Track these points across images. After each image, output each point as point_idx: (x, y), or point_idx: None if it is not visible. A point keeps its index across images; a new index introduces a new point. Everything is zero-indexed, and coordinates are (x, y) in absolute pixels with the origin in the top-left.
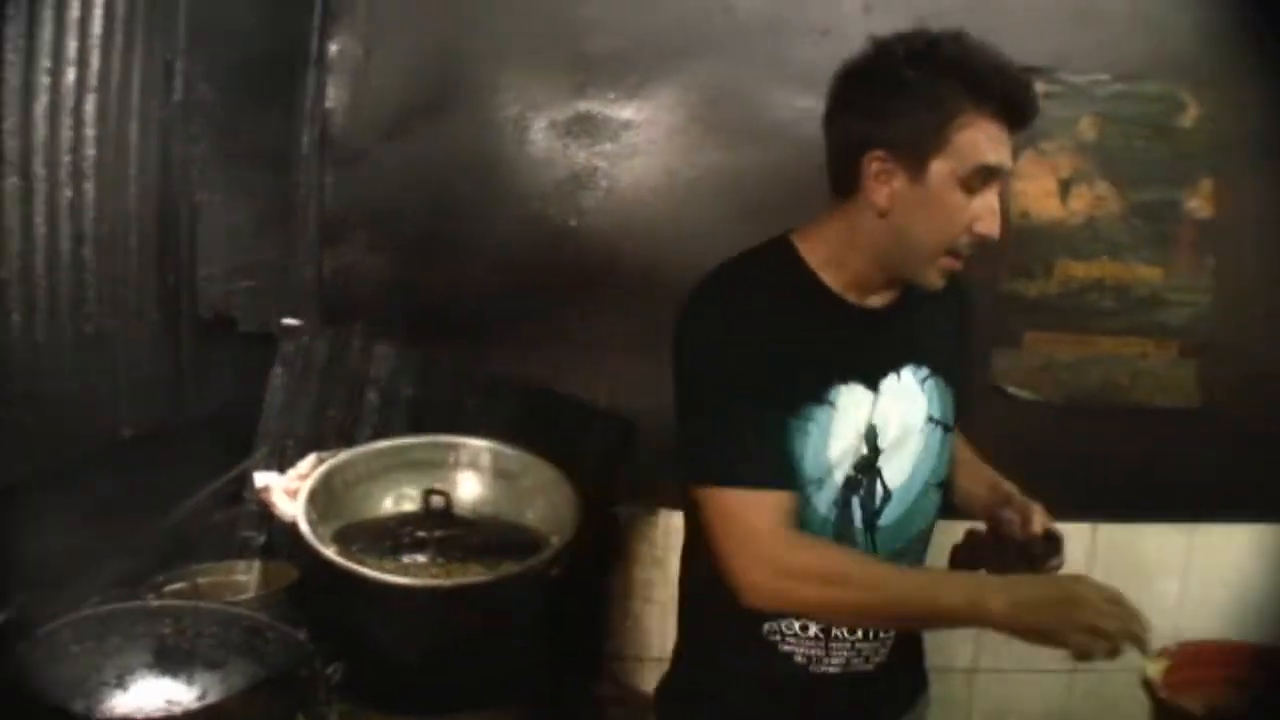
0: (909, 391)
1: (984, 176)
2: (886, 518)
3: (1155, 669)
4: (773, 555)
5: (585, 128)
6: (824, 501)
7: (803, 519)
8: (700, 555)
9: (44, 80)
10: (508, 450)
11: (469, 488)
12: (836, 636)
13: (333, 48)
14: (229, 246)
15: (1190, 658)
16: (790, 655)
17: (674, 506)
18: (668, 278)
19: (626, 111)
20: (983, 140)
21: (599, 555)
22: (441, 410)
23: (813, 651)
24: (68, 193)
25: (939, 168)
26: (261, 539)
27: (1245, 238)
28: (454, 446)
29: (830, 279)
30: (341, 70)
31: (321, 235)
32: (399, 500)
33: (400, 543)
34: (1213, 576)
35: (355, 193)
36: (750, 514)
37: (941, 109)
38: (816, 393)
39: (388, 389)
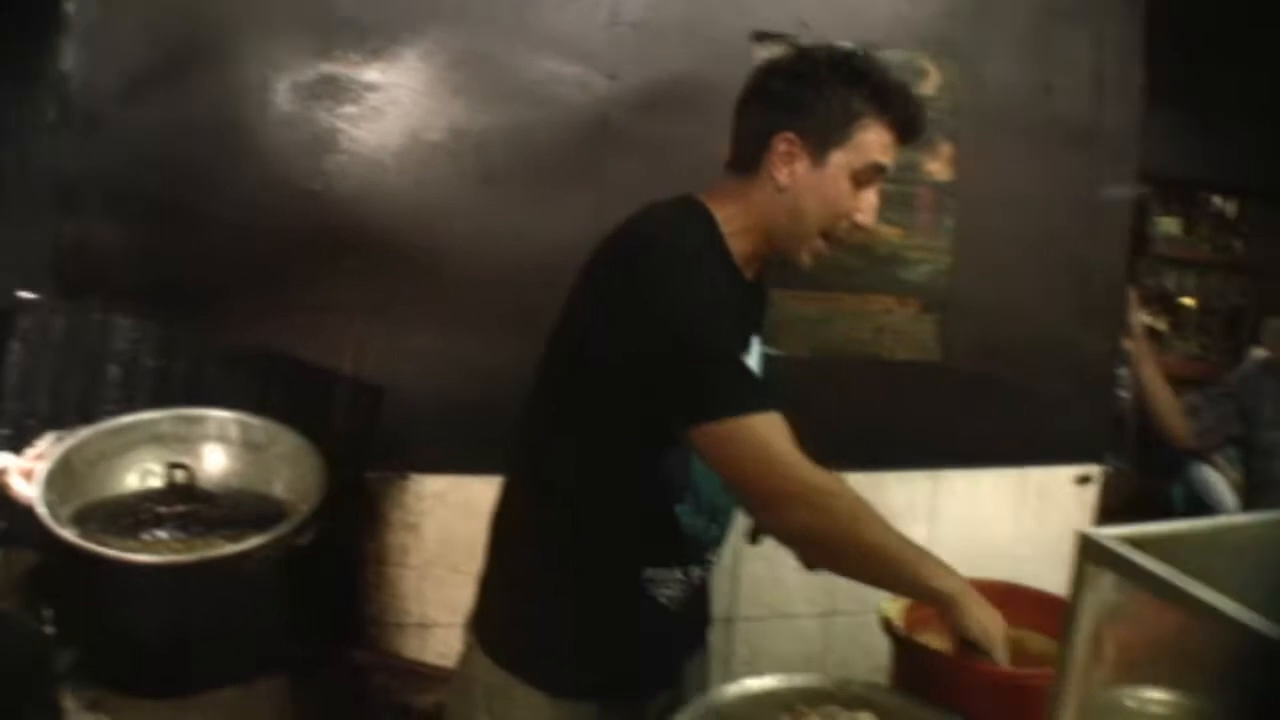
0: (752, 360)
1: (872, 173)
2: None
3: (894, 609)
4: (800, 472)
5: (328, 90)
6: None
7: (704, 470)
8: (577, 505)
9: None
10: (254, 421)
11: (216, 460)
12: (694, 581)
13: (69, 7)
14: None
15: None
16: (656, 599)
17: (427, 470)
18: (412, 241)
19: (370, 74)
20: (877, 143)
21: (351, 522)
22: (185, 382)
23: (675, 593)
24: None
25: (838, 158)
26: (1, 525)
27: (981, 201)
28: (199, 419)
29: (733, 248)
30: (78, 31)
31: (59, 204)
32: (144, 477)
33: (141, 520)
34: (956, 520)
35: (93, 159)
36: (774, 436)
37: (849, 109)
38: (744, 347)
39: (129, 363)
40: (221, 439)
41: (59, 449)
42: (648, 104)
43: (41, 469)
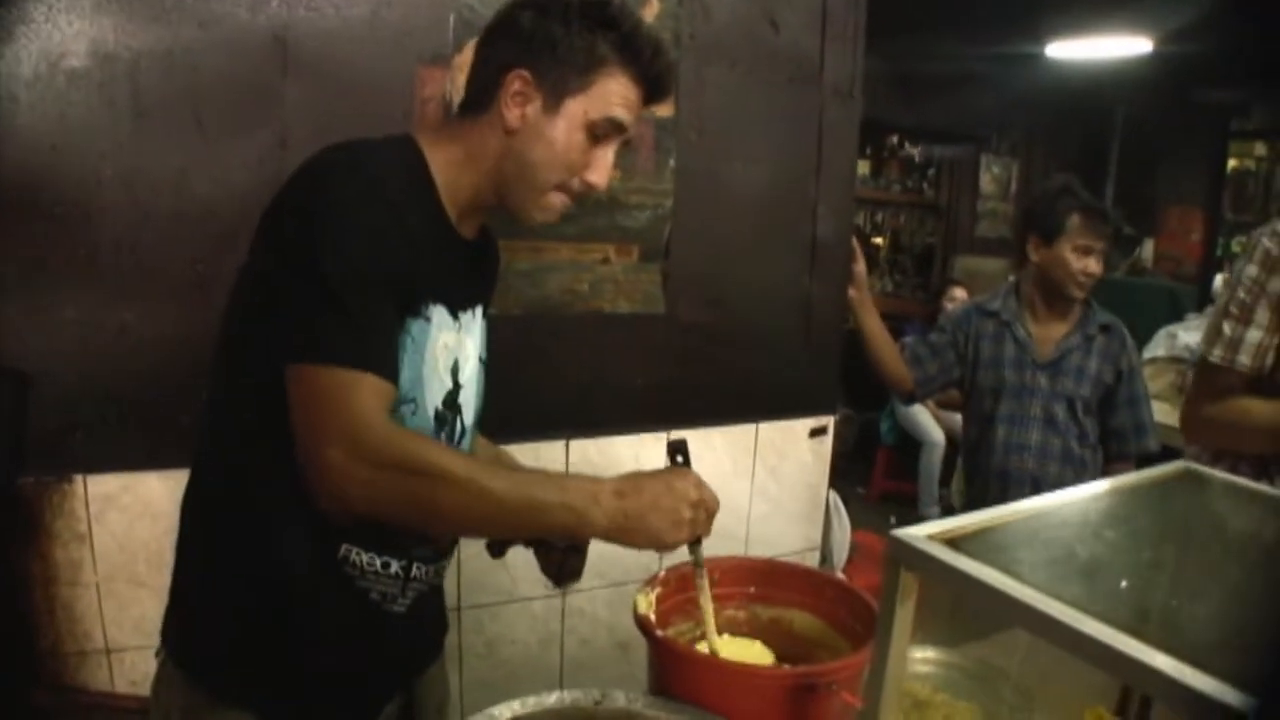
0: (475, 329)
1: (608, 129)
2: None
3: (645, 600)
4: (366, 440)
5: None
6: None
7: None
8: (275, 476)
9: None
10: None
11: None
12: (415, 576)
13: None
14: None
15: (682, 582)
16: (366, 592)
17: (93, 469)
18: (54, 191)
19: None
20: (619, 95)
21: (6, 539)
22: None
23: (389, 590)
24: None
25: (573, 106)
26: None
27: (705, 141)
28: None
29: (444, 193)
30: None
31: None
32: None
33: None
34: None
35: None
36: (352, 396)
37: (593, 55)
38: (417, 305)
39: None
40: None
41: None
42: (332, 24)
43: None
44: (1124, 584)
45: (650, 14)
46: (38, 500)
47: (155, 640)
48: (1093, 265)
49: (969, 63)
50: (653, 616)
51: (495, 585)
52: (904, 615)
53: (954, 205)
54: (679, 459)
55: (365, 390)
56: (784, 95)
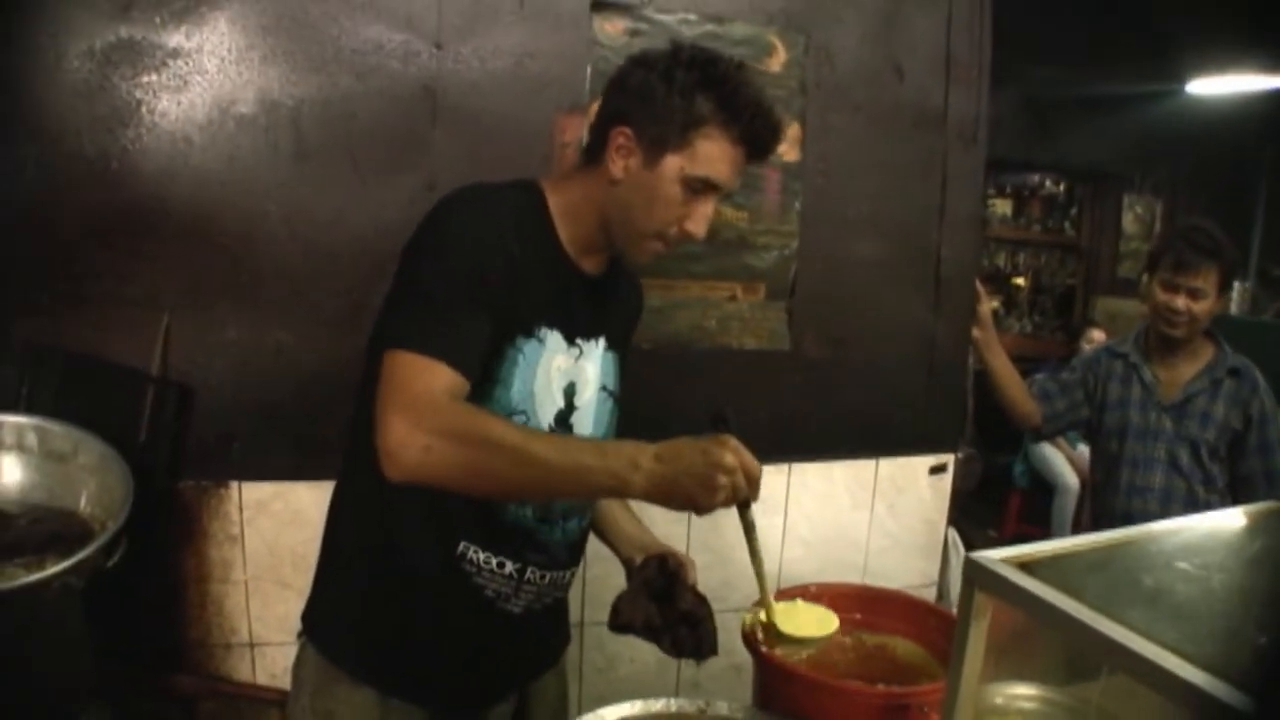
0: (596, 359)
1: (703, 186)
2: None
3: (753, 619)
4: (426, 412)
5: (127, 56)
6: None
7: None
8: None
9: None
10: (55, 426)
11: (11, 473)
12: (529, 579)
13: None
14: None
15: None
16: (481, 589)
17: (248, 477)
18: (221, 225)
19: (175, 38)
20: (718, 156)
21: (166, 537)
22: None
23: (503, 588)
24: None
25: (672, 162)
26: None
27: (830, 184)
28: None
29: (562, 231)
30: None
31: None
32: None
33: None
34: (810, 513)
35: None
36: (421, 379)
37: (691, 115)
38: (529, 325)
39: None
40: (19, 448)
41: None
42: (478, 76)
43: None
44: (1193, 611)
45: (777, 63)
46: (196, 503)
47: (296, 637)
48: (1180, 302)
49: (1110, 100)
50: (759, 634)
51: None
52: (977, 635)
53: (1096, 245)
54: (721, 425)
55: (435, 374)
56: (908, 139)
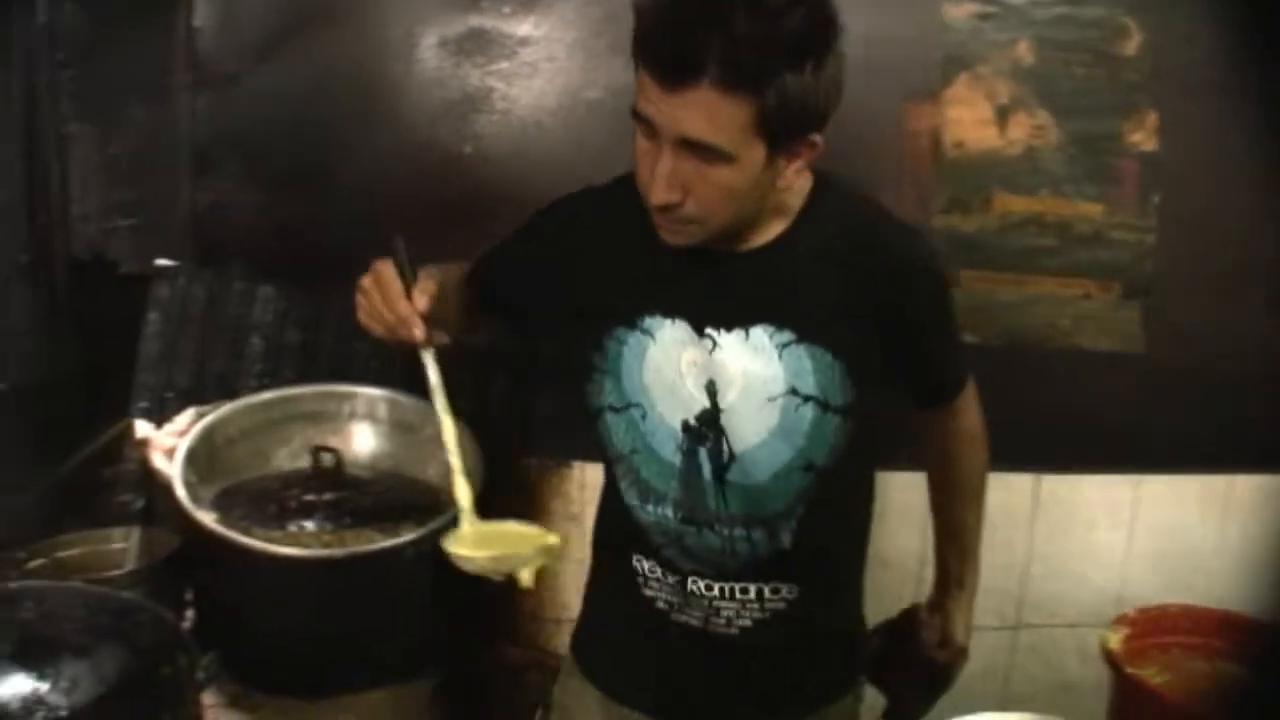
0: (759, 354)
1: (638, 120)
2: (734, 477)
3: (1115, 638)
4: None
5: (479, 45)
6: (665, 444)
7: (646, 458)
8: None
9: None
10: (405, 399)
11: (365, 441)
12: (692, 591)
13: None
14: (104, 181)
15: (1150, 625)
16: (652, 601)
17: (588, 459)
18: None
19: (524, 27)
20: (644, 83)
21: (509, 512)
22: (332, 357)
23: (672, 598)
24: None
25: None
26: (140, 503)
27: (1191, 173)
28: (347, 396)
29: None
30: None
31: (193, 167)
32: (293, 456)
33: (286, 508)
34: (1157, 529)
35: (227, 120)
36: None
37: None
38: (630, 316)
39: (272, 335)
40: (370, 418)
41: (200, 424)
42: None
43: (182, 446)
44: None
45: (1131, 46)
46: (538, 481)
47: None
48: None
49: None
50: (1121, 654)
51: None
52: None
53: None
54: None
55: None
56: (1273, 126)
